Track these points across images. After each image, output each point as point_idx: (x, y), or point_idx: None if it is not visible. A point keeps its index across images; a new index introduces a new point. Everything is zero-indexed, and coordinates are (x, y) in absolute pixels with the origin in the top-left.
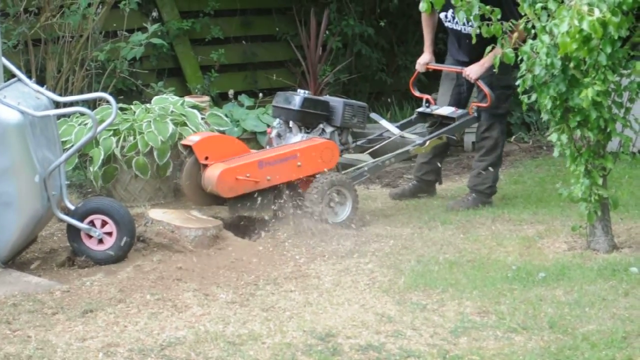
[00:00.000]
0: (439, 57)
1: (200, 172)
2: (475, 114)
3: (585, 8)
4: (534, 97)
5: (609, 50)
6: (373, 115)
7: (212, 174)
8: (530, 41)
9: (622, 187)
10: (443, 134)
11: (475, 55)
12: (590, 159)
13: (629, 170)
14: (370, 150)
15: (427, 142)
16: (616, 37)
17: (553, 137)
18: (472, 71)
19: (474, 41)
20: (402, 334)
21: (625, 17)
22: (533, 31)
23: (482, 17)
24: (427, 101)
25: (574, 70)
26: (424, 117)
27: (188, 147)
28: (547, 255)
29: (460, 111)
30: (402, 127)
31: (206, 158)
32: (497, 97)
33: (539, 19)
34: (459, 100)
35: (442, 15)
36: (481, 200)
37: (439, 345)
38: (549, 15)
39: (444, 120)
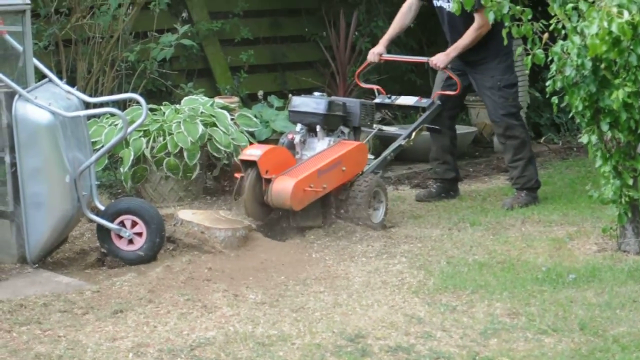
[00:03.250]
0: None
1: (262, 186)
2: (439, 102)
3: (614, 10)
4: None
5: (639, 51)
6: None
7: (283, 188)
8: (560, 42)
9: None
10: (421, 124)
11: (455, 33)
12: (620, 160)
13: None
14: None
15: (413, 134)
16: None
17: (584, 138)
18: (439, 60)
19: (457, 13)
20: (432, 335)
21: None
22: (563, 32)
23: (513, 18)
24: (378, 91)
25: (605, 71)
26: (382, 108)
27: (248, 162)
28: (577, 257)
29: (425, 100)
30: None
31: (266, 172)
32: (504, 98)
33: (569, 19)
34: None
35: None
36: (532, 195)
37: (468, 346)
38: (579, 16)
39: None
